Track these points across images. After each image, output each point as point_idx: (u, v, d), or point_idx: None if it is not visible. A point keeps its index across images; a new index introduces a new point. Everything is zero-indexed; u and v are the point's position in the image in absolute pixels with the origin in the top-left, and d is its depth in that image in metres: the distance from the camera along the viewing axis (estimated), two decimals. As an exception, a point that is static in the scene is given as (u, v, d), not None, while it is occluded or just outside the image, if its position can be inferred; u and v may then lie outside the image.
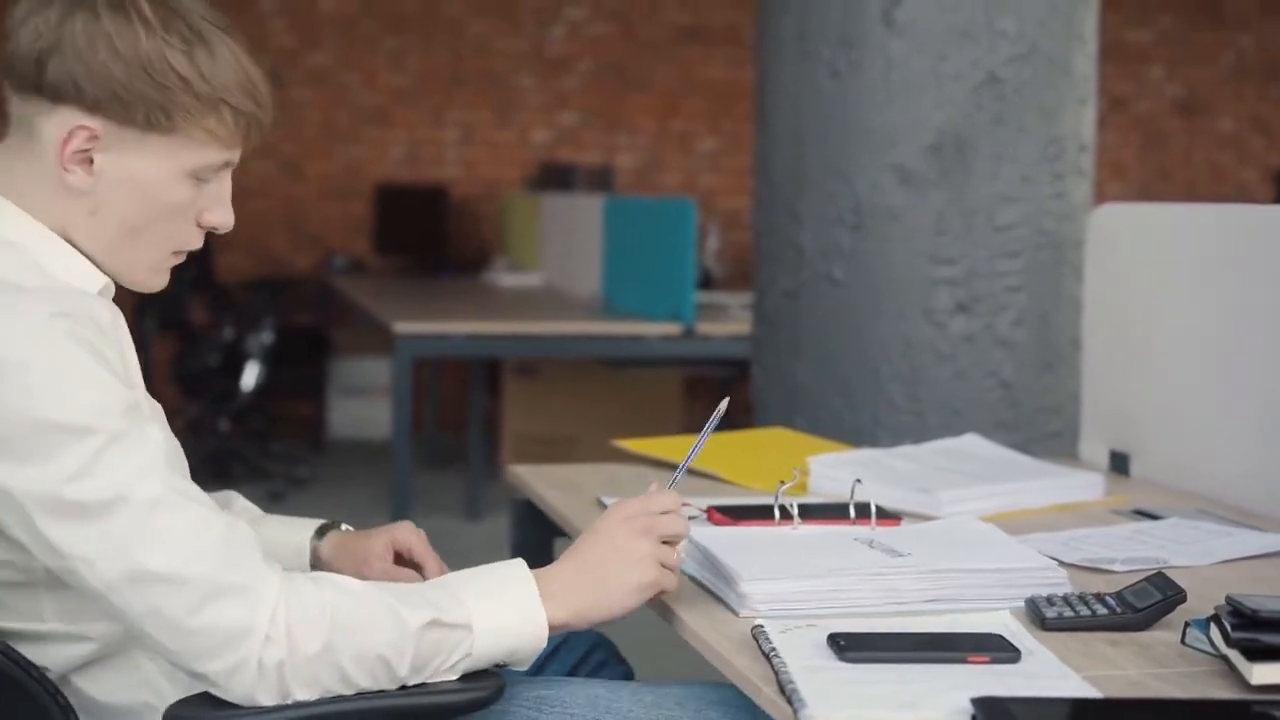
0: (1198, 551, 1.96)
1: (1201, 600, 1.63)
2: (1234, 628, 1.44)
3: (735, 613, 1.69)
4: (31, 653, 1.61)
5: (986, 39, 3.19)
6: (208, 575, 1.52)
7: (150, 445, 1.55)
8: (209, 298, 7.92)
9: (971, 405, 3.21)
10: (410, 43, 9.02)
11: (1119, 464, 2.56)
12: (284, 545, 1.94)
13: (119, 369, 1.59)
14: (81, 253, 1.67)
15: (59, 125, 1.62)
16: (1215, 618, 1.49)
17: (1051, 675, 1.46)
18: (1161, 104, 9.72)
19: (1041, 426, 3.25)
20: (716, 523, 2.07)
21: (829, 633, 1.53)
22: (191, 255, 1.79)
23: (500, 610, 1.62)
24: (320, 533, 1.99)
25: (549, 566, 1.69)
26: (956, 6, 3.18)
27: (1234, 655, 1.44)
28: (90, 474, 1.51)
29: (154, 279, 1.74)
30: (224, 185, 1.72)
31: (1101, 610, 1.63)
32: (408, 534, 1.97)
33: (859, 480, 2.03)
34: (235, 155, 1.70)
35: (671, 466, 2.48)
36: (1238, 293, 2.32)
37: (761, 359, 3.48)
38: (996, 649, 1.50)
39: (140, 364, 1.68)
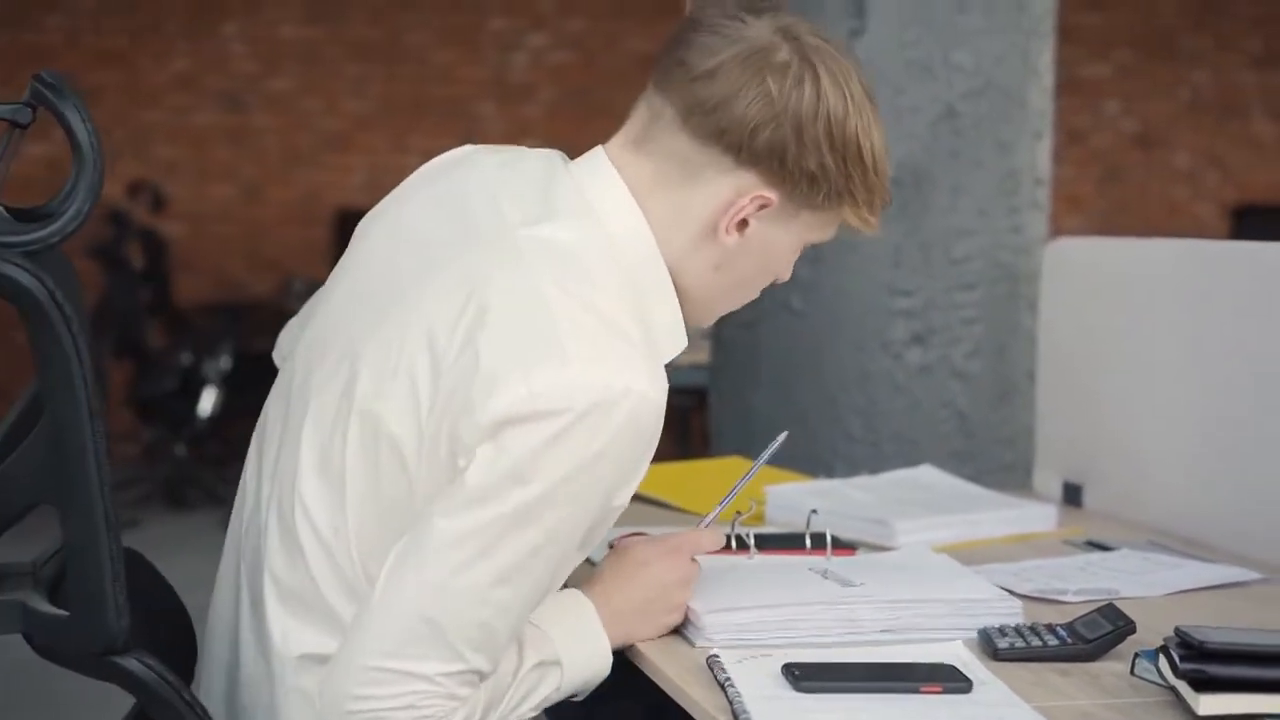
0: (1148, 582, 1.99)
1: (1151, 631, 1.65)
2: (1182, 659, 1.45)
3: (691, 642, 1.70)
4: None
5: (943, 73, 3.22)
6: None
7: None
8: (166, 322, 7.90)
9: (927, 436, 3.23)
10: (372, 70, 9.03)
11: (1072, 495, 2.58)
12: None
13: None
14: (680, 295, 1.66)
15: (736, 186, 1.62)
16: (1164, 649, 1.51)
17: (1002, 705, 1.48)
18: (1119, 138, 9.80)
19: (996, 458, 3.27)
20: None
21: (784, 663, 1.54)
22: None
23: (579, 644, 1.64)
24: None
25: (595, 589, 1.70)
26: (915, 41, 3.21)
27: (1182, 686, 1.46)
28: None
29: (708, 323, 1.76)
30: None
31: (1053, 641, 1.65)
32: None
33: (814, 511, 2.04)
34: (828, 237, 1.71)
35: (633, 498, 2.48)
36: (1189, 326, 2.35)
37: (719, 388, 3.49)
38: (949, 679, 1.52)
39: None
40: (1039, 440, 2.72)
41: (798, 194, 1.62)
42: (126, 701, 1.73)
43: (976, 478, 2.87)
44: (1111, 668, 1.62)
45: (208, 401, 7.40)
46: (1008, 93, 3.27)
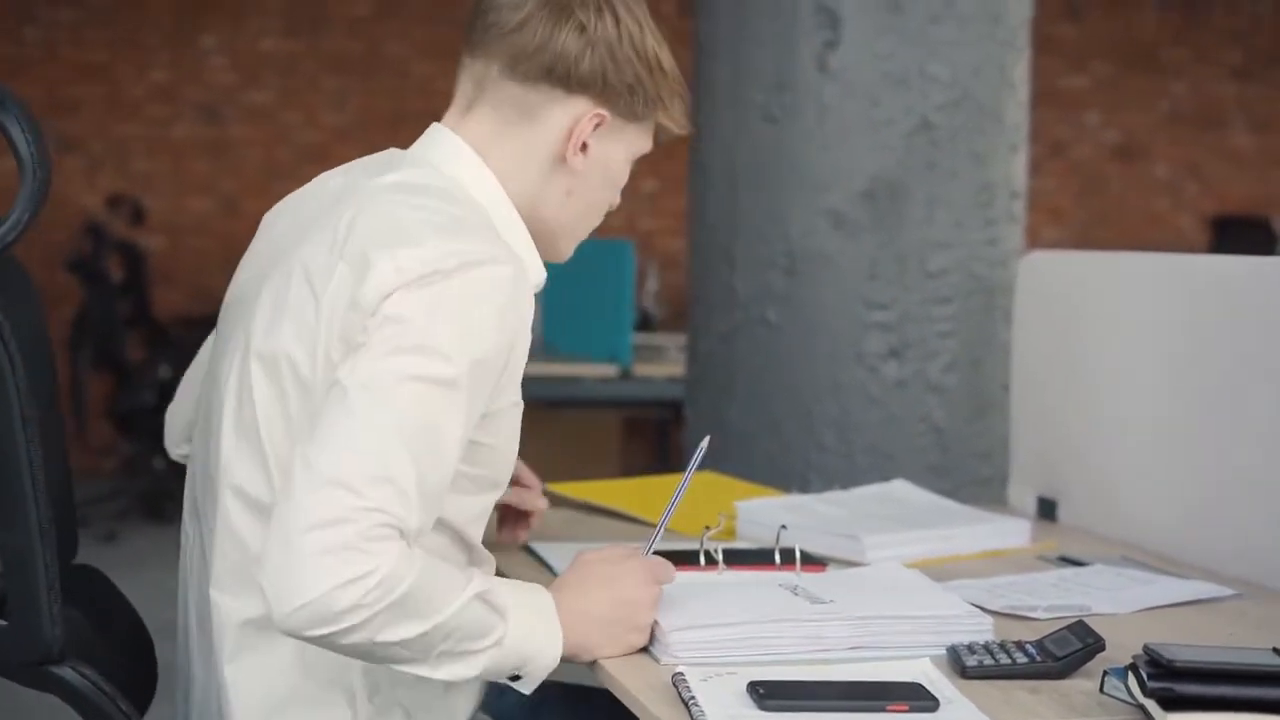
0: (1121, 599, 1.97)
1: (1122, 649, 1.63)
2: (1150, 677, 1.44)
3: (657, 659, 1.69)
4: None
5: (919, 85, 3.21)
6: None
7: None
8: (145, 335, 7.86)
9: (903, 450, 3.22)
10: (352, 83, 9.01)
11: (1046, 510, 2.57)
12: None
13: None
14: (540, 229, 1.84)
15: (571, 113, 1.81)
16: (1133, 667, 1.49)
17: (969, 724, 1.46)
18: (1099, 149, 9.81)
19: (972, 472, 3.26)
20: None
21: (749, 681, 1.53)
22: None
23: (529, 615, 1.64)
24: None
25: (556, 591, 1.70)
26: (890, 53, 3.20)
27: (1150, 705, 1.45)
28: None
29: (571, 252, 1.94)
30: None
31: (1022, 658, 1.63)
32: None
33: (784, 526, 2.03)
34: (650, 147, 1.91)
35: (603, 512, 2.47)
36: (1163, 340, 2.34)
37: (695, 401, 3.48)
38: (915, 698, 1.50)
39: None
40: (1013, 455, 2.71)
41: (622, 106, 1.82)
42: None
43: (952, 492, 2.86)
44: (1081, 685, 1.60)
45: (186, 415, 7.36)
46: (983, 105, 3.27)
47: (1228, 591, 2.03)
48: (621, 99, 1.82)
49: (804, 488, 2.94)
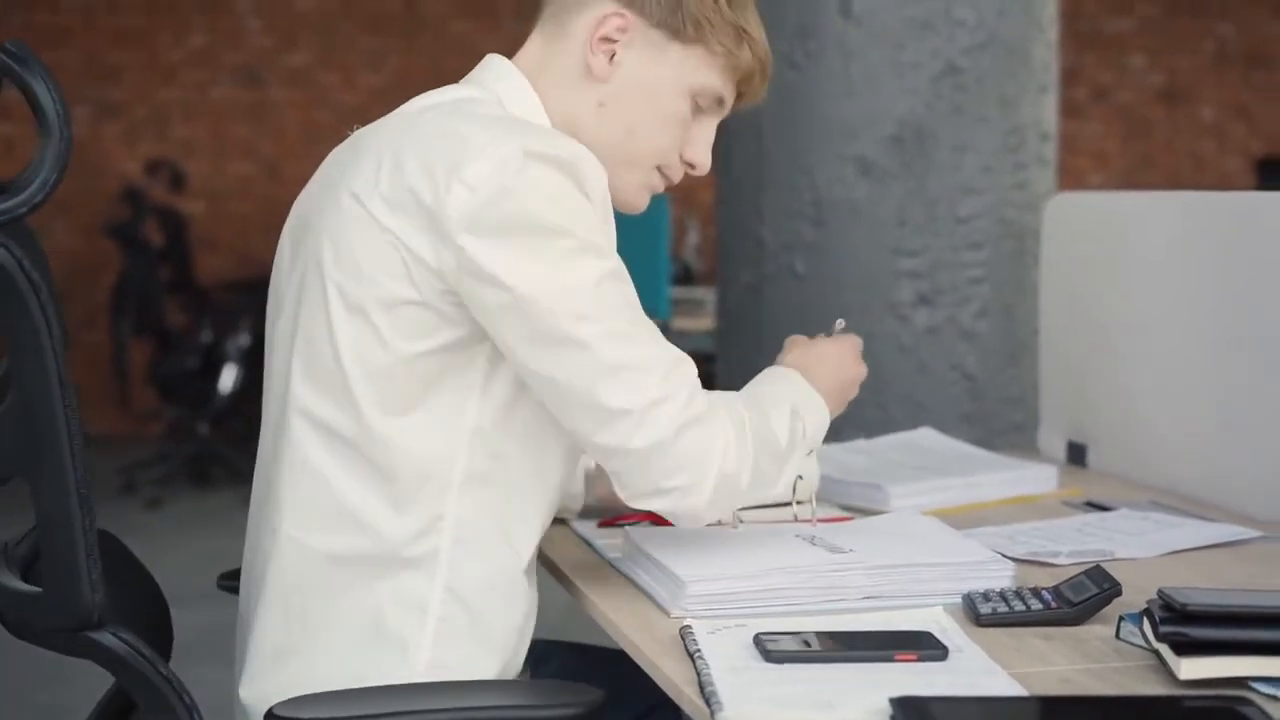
0: (1145, 543, 1.94)
1: (1142, 594, 1.60)
2: (1162, 621, 1.41)
3: (667, 612, 1.67)
4: None
5: (945, 28, 3.17)
6: None
7: None
8: (187, 300, 7.89)
9: (935, 398, 3.19)
10: (389, 43, 8.99)
11: (1076, 455, 2.54)
12: None
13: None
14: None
15: (593, 12, 1.77)
16: (1147, 611, 1.46)
17: (978, 673, 1.43)
18: (1143, 93, 9.70)
19: (1005, 418, 3.23)
20: (657, 522, 2.04)
21: (755, 633, 1.50)
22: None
23: (805, 397, 1.85)
24: None
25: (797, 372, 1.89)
26: (914, -4, 3.15)
27: (1164, 649, 1.42)
28: None
29: (639, 198, 1.85)
30: (709, 128, 1.84)
31: (1036, 605, 1.60)
32: None
33: (800, 476, 2.00)
34: (730, 95, 1.82)
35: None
36: (1192, 282, 2.29)
37: (725, 353, 3.46)
38: (925, 647, 1.47)
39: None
40: (1043, 400, 2.68)
41: (655, 15, 1.77)
42: (104, 681, 1.72)
43: (986, 439, 2.83)
44: (1097, 631, 1.57)
45: (229, 379, 7.39)
46: (1011, 47, 3.22)
47: (1254, 534, 1.99)
48: (652, 6, 1.76)
49: (835, 437, 2.90)
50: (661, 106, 1.79)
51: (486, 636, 1.70)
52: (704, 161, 1.85)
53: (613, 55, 1.77)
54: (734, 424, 1.69)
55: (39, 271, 1.57)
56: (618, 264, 1.66)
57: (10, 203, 1.53)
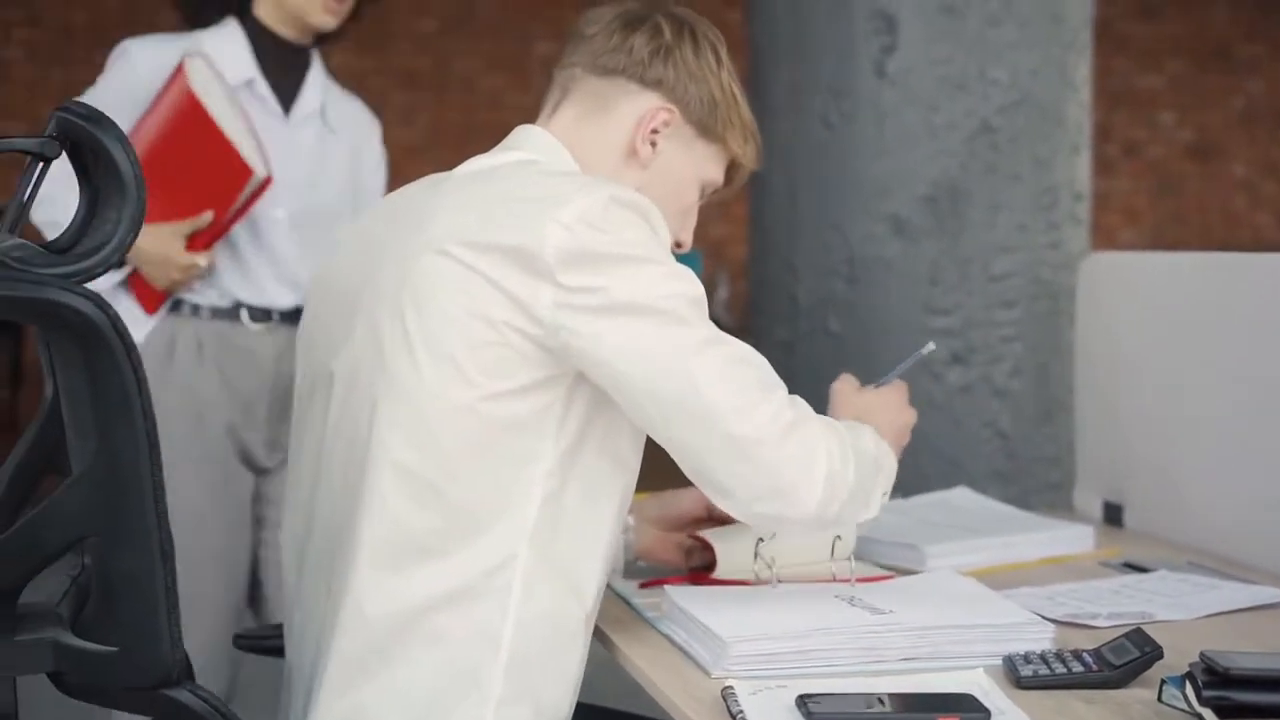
0: (1184, 605, 1.94)
1: (1183, 657, 1.60)
2: (1206, 685, 1.41)
3: (708, 673, 1.67)
4: None
5: (979, 88, 3.18)
6: None
7: None
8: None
9: (969, 456, 3.19)
10: (421, 98, 9.06)
11: (1112, 515, 2.54)
12: None
13: None
14: None
15: (643, 105, 1.92)
16: (1189, 675, 1.47)
17: (1021, 736, 1.44)
18: (1174, 149, 9.71)
19: (1040, 477, 3.22)
20: (697, 582, 2.05)
21: (798, 694, 1.51)
22: None
23: (875, 443, 1.90)
24: None
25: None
26: (948, 57, 3.17)
27: (1207, 714, 1.42)
28: None
29: None
30: (696, 213, 2.01)
31: (1078, 667, 1.60)
32: None
33: (839, 537, 2.01)
34: (721, 181, 2.01)
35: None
36: (1228, 342, 2.30)
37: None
38: (967, 709, 1.48)
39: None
40: (1079, 459, 2.68)
41: (693, 113, 1.93)
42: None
43: (1021, 497, 2.82)
44: (1139, 695, 1.57)
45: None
46: (1044, 107, 3.22)
47: (1294, 596, 1.99)
48: (693, 106, 1.93)
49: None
50: (682, 195, 1.96)
51: (558, 673, 1.74)
52: (688, 240, 2.00)
53: (654, 144, 1.92)
54: (830, 428, 1.79)
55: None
56: (699, 288, 1.75)
57: (88, 262, 1.53)
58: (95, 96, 2.83)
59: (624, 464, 1.79)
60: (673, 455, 1.74)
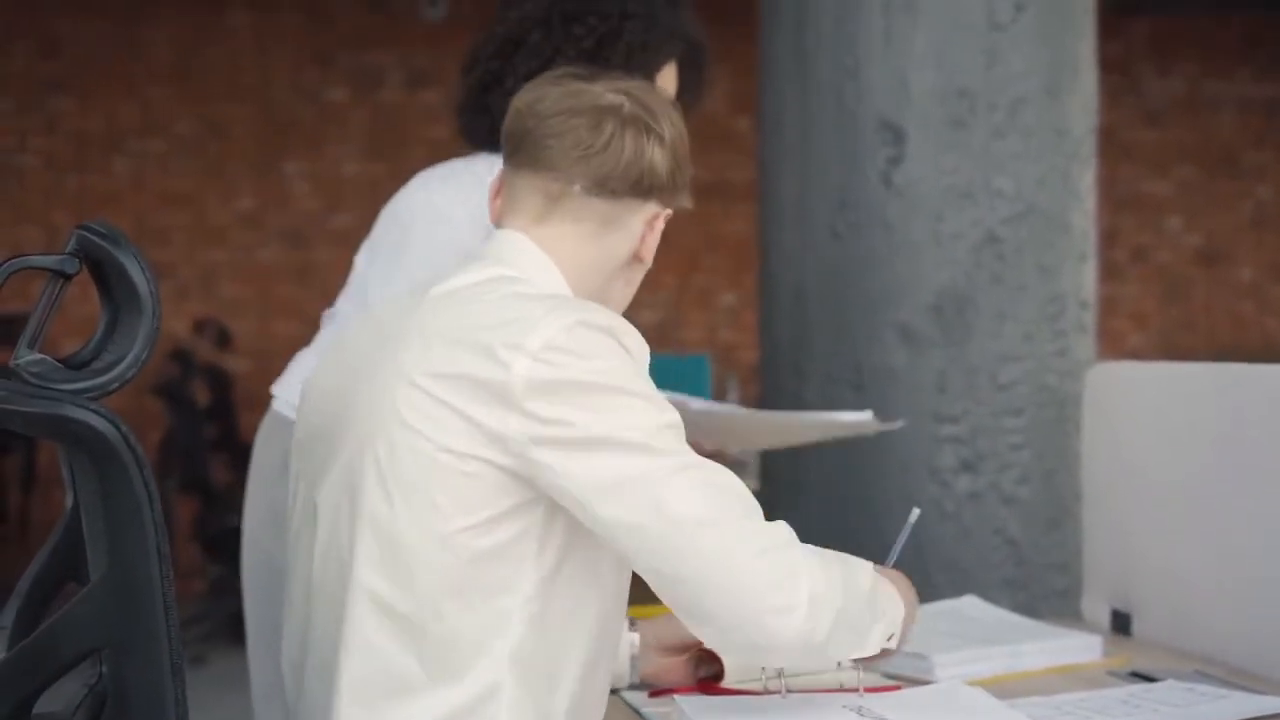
0: (1192, 715, 1.94)
1: (1189, 768, 1.61)
2: (1211, 799, 1.42)
3: (716, 785, 1.68)
4: None
5: (985, 199, 3.22)
6: None
7: None
8: (230, 458, 7.94)
9: (977, 563, 3.20)
10: (433, 203, 9.11)
11: (1120, 623, 2.54)
12: None
13: None
14: None
15: (646, 215, 1.90)
16: (1195, 788, 1.47)
17: None
18: (1181, 254, 9.75)
19: (1049, 584, 3.23)
20: (707, 691, 2.05)
21: (805, 806, 1.51)
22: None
23: (886, 593, 1.86)
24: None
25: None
26: (954, 168, 3.21)
27: (1213, 827, 1.42)
28: None
29: None
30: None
31: (1084, 779, 1.61)
32: None
33: (846, 646, 2.01)
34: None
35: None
36: (1237, 452, 2.31)
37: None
38: (974, 822, 1.48)
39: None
40: (1086, 568, 2.68)
41: (670, 198, 1.92)
42: None
43: (1029, 603, 2.83)
44: (1145, 807, 1.58)
45: (272, 537, 7.40)
46: (1050, 217, 3.26)
47: (1302, 707, 1.99)
48: (674, 193, 1.93)
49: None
50: (648, 263, 1.96)
51: None
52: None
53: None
54: (816, 553, 1.74)
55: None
56: (674, 413, 1.72)
57: (104, 378, 1.56)
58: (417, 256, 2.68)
59: (605, 584, 1.77)
60: (650, 586, 1.71)
